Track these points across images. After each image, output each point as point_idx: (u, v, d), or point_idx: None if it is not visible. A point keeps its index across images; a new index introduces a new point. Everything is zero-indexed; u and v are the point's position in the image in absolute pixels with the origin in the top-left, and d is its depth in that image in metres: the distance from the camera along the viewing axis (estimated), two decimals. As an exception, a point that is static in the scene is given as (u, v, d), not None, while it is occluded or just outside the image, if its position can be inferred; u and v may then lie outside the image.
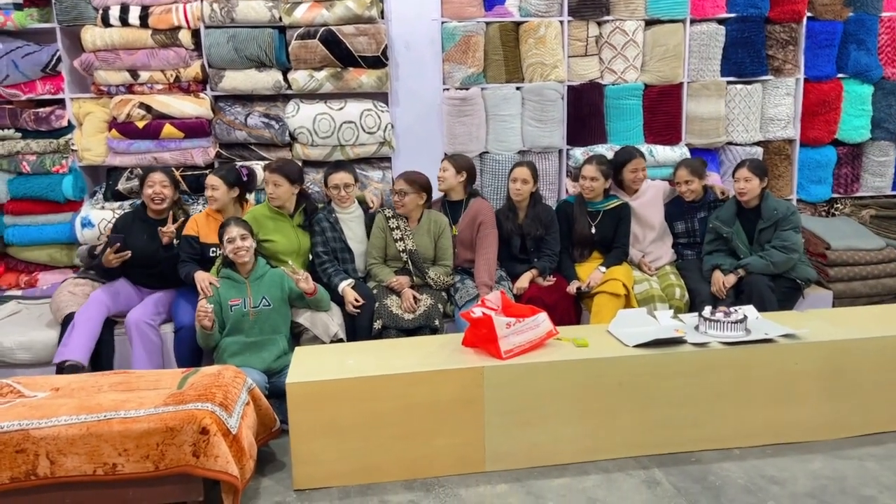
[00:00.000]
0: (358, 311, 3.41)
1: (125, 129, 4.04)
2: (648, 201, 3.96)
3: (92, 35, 3.95)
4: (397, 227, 3.62)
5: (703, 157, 4.55)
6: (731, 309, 2.95)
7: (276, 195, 3.51)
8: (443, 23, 4.21)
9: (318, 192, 4.03)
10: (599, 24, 4.36)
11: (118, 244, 3.41)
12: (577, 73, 4.38)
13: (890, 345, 2.92)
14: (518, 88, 4.34)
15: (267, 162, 3.72)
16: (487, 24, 4.26)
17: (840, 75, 4.60)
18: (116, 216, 3.82)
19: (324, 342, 3.28)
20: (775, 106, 4.56)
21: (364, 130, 4.14)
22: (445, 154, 4.30)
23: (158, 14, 3.95)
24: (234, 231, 3.18)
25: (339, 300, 3.46)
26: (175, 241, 3.54)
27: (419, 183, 3.62)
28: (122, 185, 4.09)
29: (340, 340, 3.33)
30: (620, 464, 2.77)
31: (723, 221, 3.77)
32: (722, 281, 3.64)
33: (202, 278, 3.29)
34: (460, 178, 3.79)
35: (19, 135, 4.09)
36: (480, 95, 4.28)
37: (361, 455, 2.67)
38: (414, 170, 3.71)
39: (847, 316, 3.24)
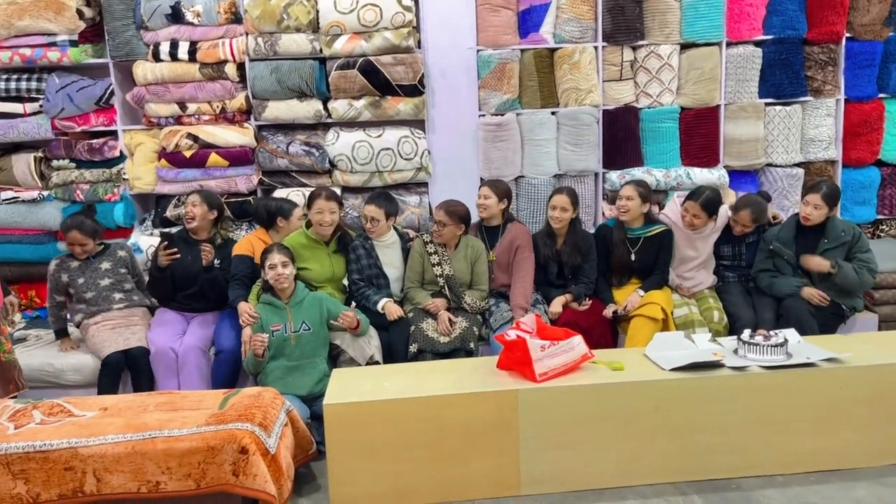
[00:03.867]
0: (402, 317, 3.50)
1: (173, 158, 4.21)
2: (710, 232, 3.84)
3: (143, 69, 4.14)
4: (435, 252, 3.67)
5: (743, 178, 4.52)
6: (772, 332, 2.90)
7: (333, 221, 3.59)
8: (478, 51, 4.29)
9: (356, 217, 4.12)
10: (634, 48, 4.38)
11: (166, 242, 3.60)
12: (612, 98, 4.40)
13: (939, 370, 2.82)
14: (553, 113, 4.38)
15: (314, 190, 3.76)
16: (522, 51, 4.32)
17: (882, 95, 4.51)
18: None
19: (360, 364, 3.33)
20: (816, 127, 4.49)
21: (401, 157, 4.23)
22: (482, 179, 4.37)
23: (206, 49, 4.13)
24: (276, 258, 3.26)
25: (377, 322, 3.51)
26: (216, 263, 3.66)
27: (458, 214, 3.62)
28: (170, 212, 4.25)
29: (377, 363, 3.38)
30: (658, 489, 2.73)
31: (783, 243, 3.66)
32: (816, 293, 3.54)
33: (243, 309, 3.34)
34: (502, 205, 3.83)
35: (73, 165, 4.29)
36: (516, 121, 4.33)
37: (397, 477, 2.69)
38: (454, 199, 3.70)
39: (893, 340, 3.15)
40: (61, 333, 3.75)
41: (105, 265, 3.71)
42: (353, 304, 3.37)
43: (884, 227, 4.68)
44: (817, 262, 3.57)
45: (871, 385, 2.79)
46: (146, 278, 3.82)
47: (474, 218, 3.86)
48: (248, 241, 3.69)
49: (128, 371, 3.52)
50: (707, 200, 3.71)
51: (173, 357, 3.47)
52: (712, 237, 3.85)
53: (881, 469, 2.81)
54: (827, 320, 3.56)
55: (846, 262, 3.57)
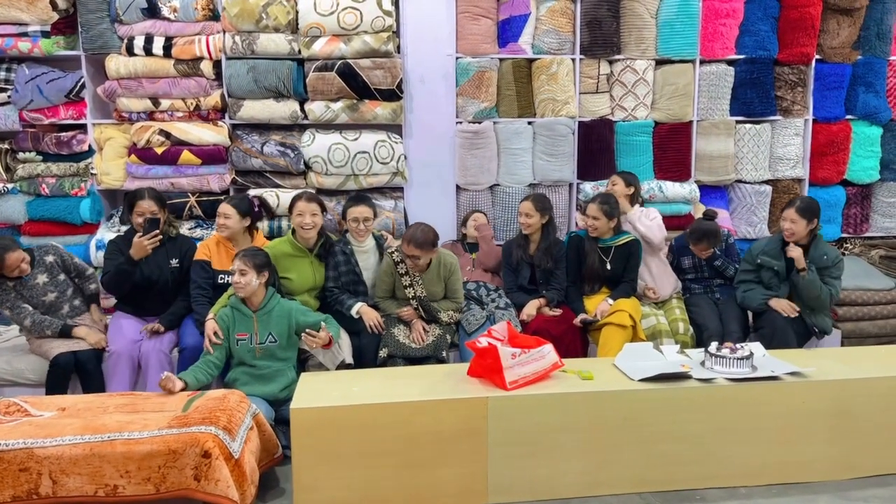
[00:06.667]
0: (380, 329, 3.45)
1: (144, 154, 4.13)
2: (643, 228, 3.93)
3: (116, 63, 4.07)
4: (406, 273, 3.57)
5: (713, 193, 4.60)
6: (738, 345, 2.94)
7: (315, 223, 3.53)
8: (457, 58, 4.30)
9: (331, 219, 4.08)
10: (610, 62, 4.44)
11: (146, 225, 3.40)
12: (588, 110, 4.45)
13: (898, 386, 2.89)
14: (530, 123, 4.41)
15: (297, 193, 3.71)
16: (501, 60, 4.35)
17: (849, 117, 4.63)
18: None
19: (329, 369, 3.29)
20: (784, 146, 4.59)
21: (378, 161, 4.21)
22: (458, 186, 4.38)
23: (182, 45, 4.07)
24: (235, 264, 3.13)
25: (349, 328, 3.48)
26: (173, 262, 3.53)
27: (430, 242, 3.48)
28: (138, 209, 4.17)
29: (349, 365, 3.34)
30: (624, 500, 2.74)
31: (771, 256, 3.70)
32: (786, 305, 3.62)
33: (209, 330, 3.19)
34: None
35: (40, 158, 4.19)
36: (493, 129, 4.35)
37: (363, 483, 2.66)
38: (418, 225, 3.51)
39: (855, 355, 3.22)
40: (67, 328, 3.43)
41: (41, 279, 3.47)
42: (323, 324, 3.21)
43: (848, 245, 4.79)
44: (798, 254, 3.57)
45: (833, 399, 2.84)
46: (90, 271, 3.67)
47: (450, 235, 3.91)
48: (204, 245, 3.58)
49: (76, 376, 3.38)
50: (624, 173, 4.08)
51: (133, 360, 3.37)
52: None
53: (842, 483, 2.85)
54: (796, 337, 3.61)
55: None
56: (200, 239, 3.89)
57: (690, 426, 2.78)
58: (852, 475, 2.88)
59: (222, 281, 3.49)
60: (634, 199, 4.04)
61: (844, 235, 4.78)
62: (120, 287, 3.50)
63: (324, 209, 3.62)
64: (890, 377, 2.89)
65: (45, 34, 4.09)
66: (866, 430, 2.87)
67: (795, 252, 3.58)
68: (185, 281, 3.56)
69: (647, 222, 3.92)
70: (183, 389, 2.89)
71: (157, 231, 3.42)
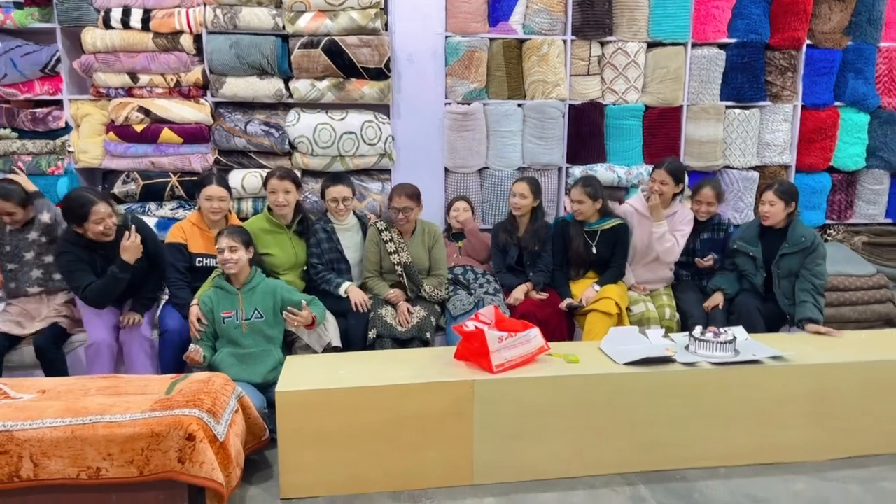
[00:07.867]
0: (366, 309, 3.43)
1: (123, 132, 4.04)
2: (674, 210, 3.85)
3: (93, 36, 3.95)
4: (391, 240, 3.61)
5: (702, 178, 4.59)
6: (721, 329, 2.97)
7: (288, 202, 3.51)
8: (447, 37, 4.24)
9: (316, 201, 4.04)
10: (602, 44, 4.40)
11: (120, 225, 3.25)
12: (578, 92, 4.41)
13: (875, 370, 2.94)
14: (520, 105, 4.37)
15: (269, 170, 3.67)
16: (491, 40, 4.29)
17: (837, 103, 4.64)
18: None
19: (316, 351, 3.28)
20: (772, 131, 4.59)
21: (364, 142, 4.16)
22: (446, 168, 4.35)
23: (161, 18, 3.96)
24: (223, 242, 3.10)
25: (335, 309, 3.45)
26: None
27: (418, 195, 3.63)
28: (117, 189, 4.08)
29: (336, 348, 3.32)
30: (607, 480, 2.78)
31: (747, 241, 3.73)
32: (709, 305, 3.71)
33: (193, 316, 3.13)
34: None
35: (16, 135, 4.09)
36: (482, 111, 4.31)
37: (349, 465, 2.66)
38: (403, 182, 3.72)
39: (835, 340, 3.25)
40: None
41: (32, 234, 3.41)
42: (304, 303, 3.18)
43: (831, 231, 4.83)
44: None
45: (812, 383, 2.89)
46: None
47: (438, 216, 3.88)
48: (179, 227, 3.48)
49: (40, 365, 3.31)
50: (672, 166, 3.79)
51: (112, 349, 3.28)
52: (679, 225, 3.83)
53: (820, 464, 2.91)
54: (769, 321, 3.64)
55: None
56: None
57: (674, 409, 2.80)
58: (830, 456, 2.94)
59: (200, 264, 3.42)
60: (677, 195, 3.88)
61: (828, 222, 4.82)
62: (110, 297, 3.28)
63: (298, 186, 3.59)
64: (868, 362, 2.95)
65: (18, 5, 3.97)
66: (844, 413, 2.93)
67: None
68: (149, 266, 3.40)
69: (666, 245, 3.75)
70: (203, 362, 2.99)
71: (132, 225, 3.27)
